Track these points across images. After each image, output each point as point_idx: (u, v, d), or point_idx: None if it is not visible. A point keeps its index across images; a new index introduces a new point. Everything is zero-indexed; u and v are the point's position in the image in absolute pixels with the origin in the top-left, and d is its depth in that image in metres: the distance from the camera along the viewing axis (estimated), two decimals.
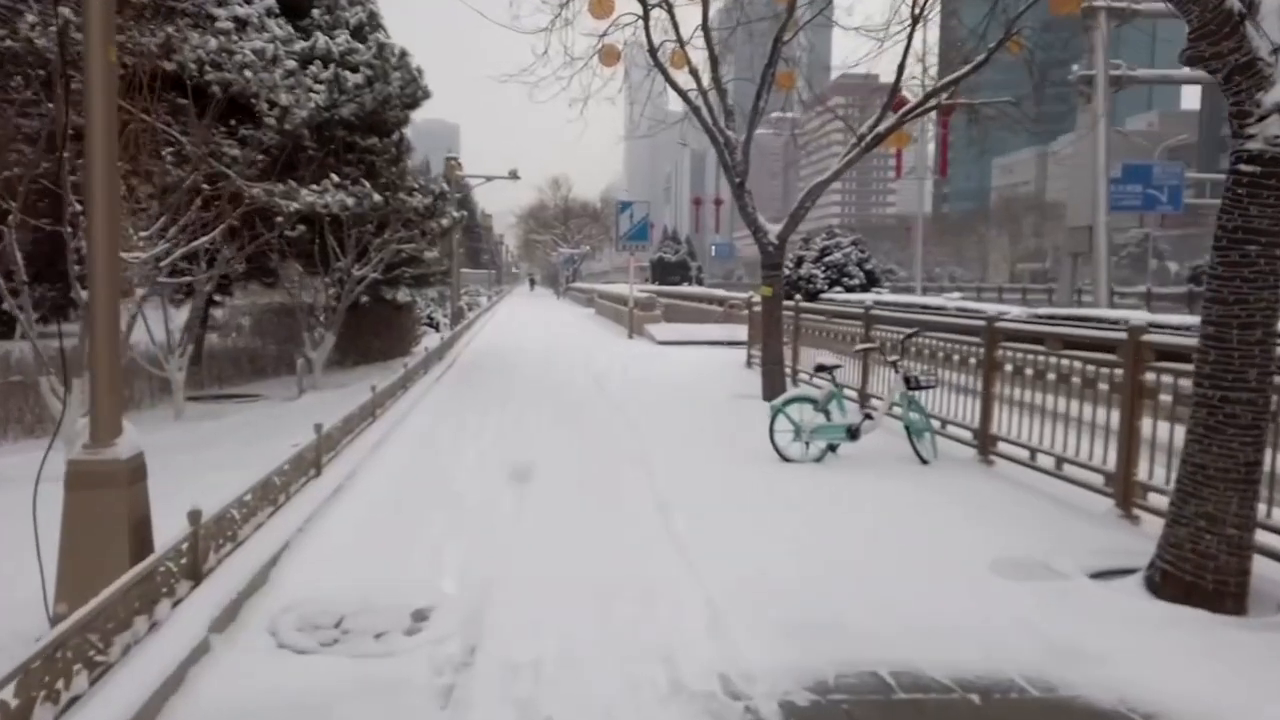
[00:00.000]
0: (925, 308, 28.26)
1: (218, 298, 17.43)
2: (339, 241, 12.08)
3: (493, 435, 8.25)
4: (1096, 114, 20.73)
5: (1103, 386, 6.19)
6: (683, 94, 11.50)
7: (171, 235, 7.87)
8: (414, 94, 14.06)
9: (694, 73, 11.68)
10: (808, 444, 7.66)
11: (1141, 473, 5.78)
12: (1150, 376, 5.75)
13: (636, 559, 4.76)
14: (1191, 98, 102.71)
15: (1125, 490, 5.87)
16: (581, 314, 36.62)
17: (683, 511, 5.73)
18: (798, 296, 34.27)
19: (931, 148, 41.55)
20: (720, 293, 27.31)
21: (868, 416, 7.74)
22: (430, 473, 6.69)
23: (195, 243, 8.33)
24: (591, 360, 16.05)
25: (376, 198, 11.28)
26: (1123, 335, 5.97)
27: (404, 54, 13.81)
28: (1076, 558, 4.98)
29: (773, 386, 11.43)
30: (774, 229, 11.52)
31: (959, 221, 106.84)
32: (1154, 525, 4.99)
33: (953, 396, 8.17)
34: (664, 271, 65.18)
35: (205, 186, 8.46)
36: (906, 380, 7.73)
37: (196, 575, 3.96)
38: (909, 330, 8.14)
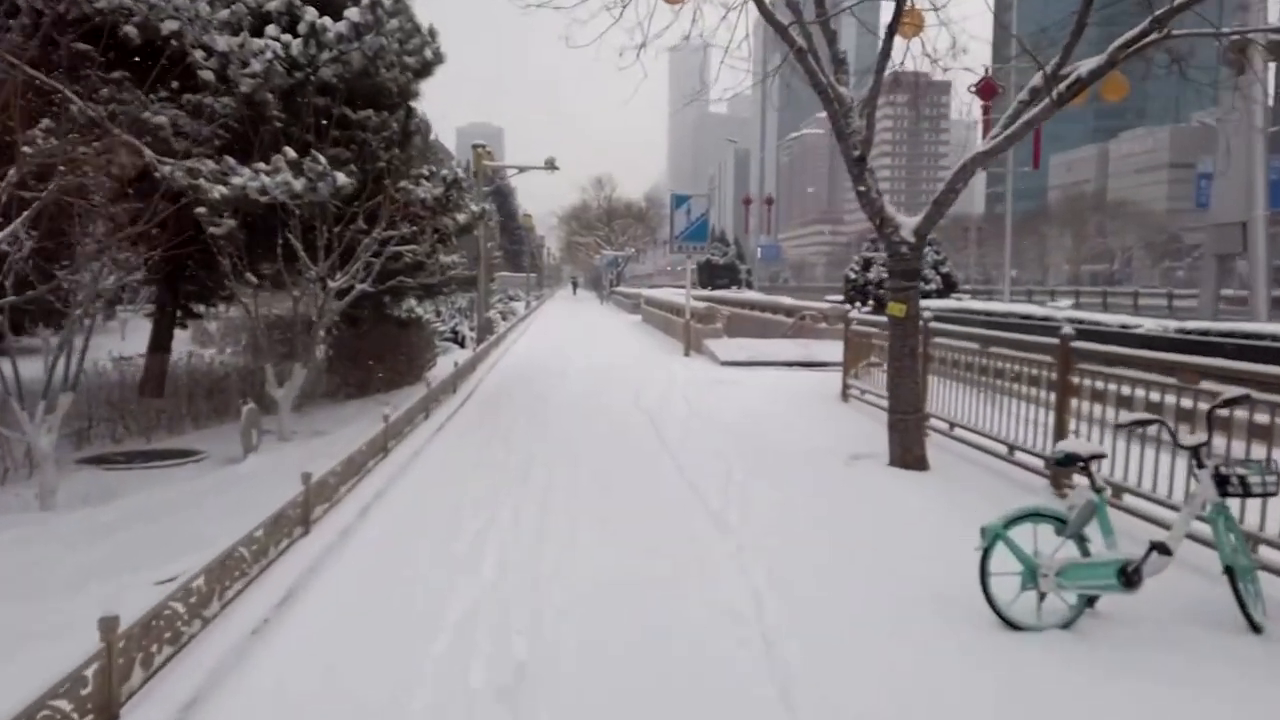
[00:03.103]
0: (1026, 318, 24.40)
1: (198, 309, 14.57)
2: (309, 242, 8.97)
3: (492, 565, 4.95)
4: (1251, 85, 16.92)
5: None
6: (781, 29, 8.16)
7: None
8: (420, 50, 10.89)
9: (793, 5, 8.38)
10: (1043, 594, 4.34)
11: None
12: None
13: None
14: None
15: None
16: (627, 322, 33.29)
17: None
18: (862, 305, 30.61)
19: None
20: (788, 301, 23.71)
21: (1158, 548, 4.32)
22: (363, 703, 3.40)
23: None
24: (644, 389, 12.75)
25: (342, 180, 8.08)
26: None
27: None
28: None
29: (905, 445, 8.07)
30: (909, 222, 8.16)
31: (1016, 221, 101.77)
32: None
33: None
34: (712, 274, 61.55)
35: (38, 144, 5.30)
36: (1221, 481, 4.32)
37: None
38: (1233, 392, 4.67)
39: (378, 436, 7.06)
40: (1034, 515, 4.44)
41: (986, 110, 32.21)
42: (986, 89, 30.21)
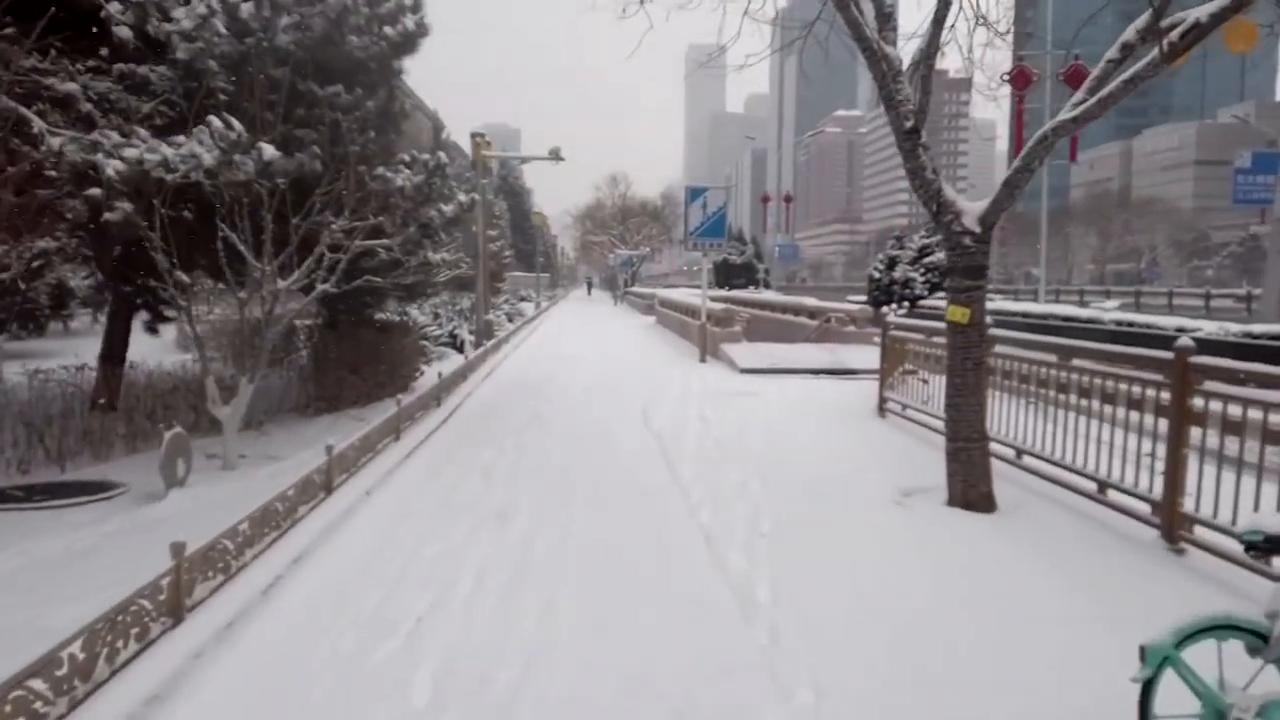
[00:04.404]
0: (1067, 319, 22.73)
1: (170, 314, 13.27)
2: (256, 233, 7.61)
3: (426, 683, 3.54)
4: None
5: None
6: None
7: None
8: (396, 17, 9.51)
9: None
10: None
11: None
12: None
13: None
14: None
15: None
16: (641, 324, 31.76)
17: None
18: (897, 307, 29.02)
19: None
20: (811, 302, 22.12)
21: None
22: None
23: None
24: (655, 404, 11.31)
25: (269, 151, 6.66)
26: None
27: None
28: None
29: (969, 479, 6.61)
30: (973, 209, 6.70)
31: (1037, 221, 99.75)
32: None
33: None
34: (729, 274, 59.89)
35: None
36: None
37: None
38: None
39: (313, 475, 5.68)
40: (1219, 628, 3.00)
41: (1020, 100, 30.59)
42: (1020, 77, 28.59)
